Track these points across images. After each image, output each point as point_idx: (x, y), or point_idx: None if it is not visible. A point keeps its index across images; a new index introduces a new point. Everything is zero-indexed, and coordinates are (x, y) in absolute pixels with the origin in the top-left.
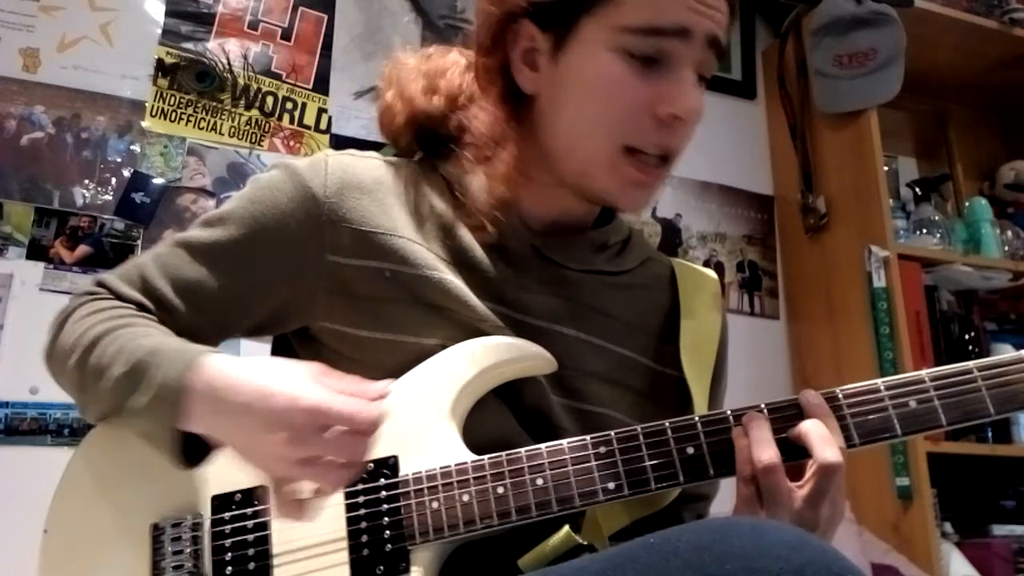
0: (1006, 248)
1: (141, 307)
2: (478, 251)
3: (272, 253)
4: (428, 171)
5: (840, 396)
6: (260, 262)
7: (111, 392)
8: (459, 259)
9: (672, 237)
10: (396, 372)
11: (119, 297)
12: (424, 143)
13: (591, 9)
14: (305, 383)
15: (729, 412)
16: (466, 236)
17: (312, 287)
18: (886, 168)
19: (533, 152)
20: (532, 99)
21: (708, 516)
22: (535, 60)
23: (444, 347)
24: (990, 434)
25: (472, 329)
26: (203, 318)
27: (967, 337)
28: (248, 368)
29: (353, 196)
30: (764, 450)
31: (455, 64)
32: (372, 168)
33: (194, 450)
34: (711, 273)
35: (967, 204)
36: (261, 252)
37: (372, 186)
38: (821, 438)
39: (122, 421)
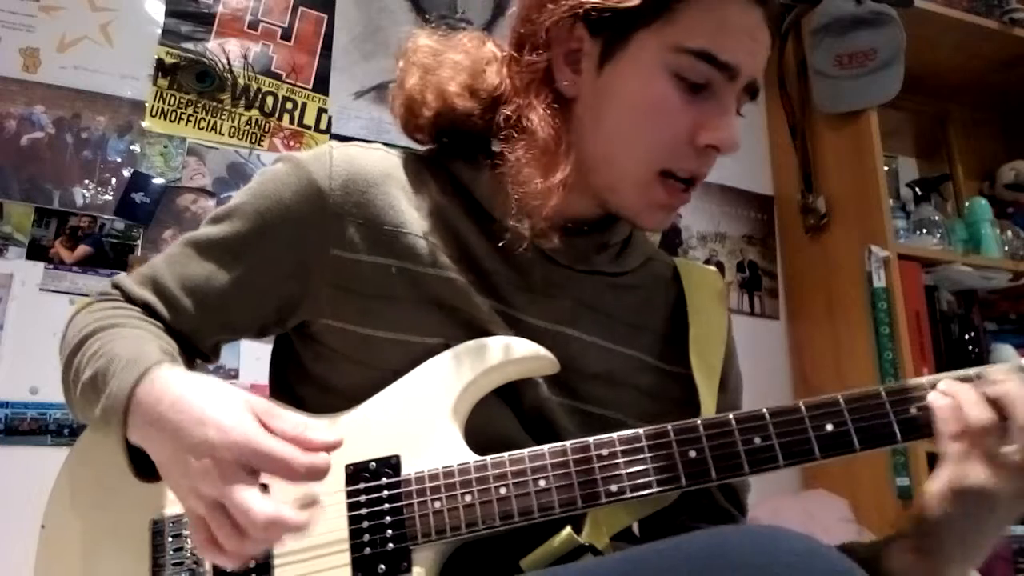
0: (1006, 248)
1: (148, 307)
2: (482, 250)
3: (277, 247)
4: (433, 165)
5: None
6: (265, 257)
7: (81, 401)
8: (463, 258)
9: (672, 237)
10: (398, 372)
11: (128, 297)
12: (444, 140)
13: (650, 23)
14: (243, 417)
15: (732, 416)
16: (471, 235)
17: (317, 282)
18: (886, 168)
19: (570, 160)
20: (569, 102)
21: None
22: (579, 62)
23: (447, 347)
24: None
25: (476, 329)
26: (210, 316)
27: (967, 337)
28: (195, 387)
29: (358, 190)
30: (980, 409)
31: (492, 59)
32: (378, 160)
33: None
34: (713, 270)
35: (967, 204)
36: (266, 246)
37: (378, 179)
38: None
39: (93, 431)
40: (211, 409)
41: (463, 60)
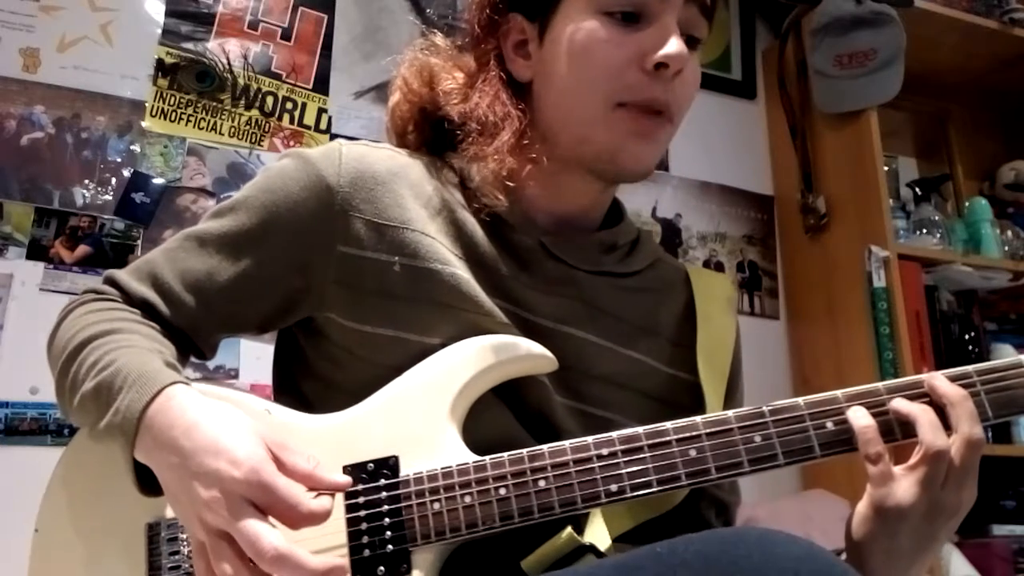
0: (1006, 248)
1: (147, 304)
2: (488, 247)
3: (282, 242)
4: (441, 164)
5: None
6: (270, 250)
7: (79, 411)
8: (469, 255)
9: (672, 237)
10: (397, 370)
11: (126, 293)
12: (431, 136)
13: None
14: (258, 452)
15: (732, 414)
16: (477, 232)
17: (321, 277)
18: (886, 168)
19: (534, 134)
20: (529, 85)
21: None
22: (527, 50)
23: (446, 345)
24: (989, 434)
25: (478, 327)
26: (211, 311)
27: (967, 337)
28: (209, 414)
29: (367, 187)
30: (939, 436)
31: (455, 57)
32: (386, 159)
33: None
34: (724, 277)
35: (967, 204)
36: (271, 240)
37: (386, 177)
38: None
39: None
40: (225, 439)
41: (427, 59)
